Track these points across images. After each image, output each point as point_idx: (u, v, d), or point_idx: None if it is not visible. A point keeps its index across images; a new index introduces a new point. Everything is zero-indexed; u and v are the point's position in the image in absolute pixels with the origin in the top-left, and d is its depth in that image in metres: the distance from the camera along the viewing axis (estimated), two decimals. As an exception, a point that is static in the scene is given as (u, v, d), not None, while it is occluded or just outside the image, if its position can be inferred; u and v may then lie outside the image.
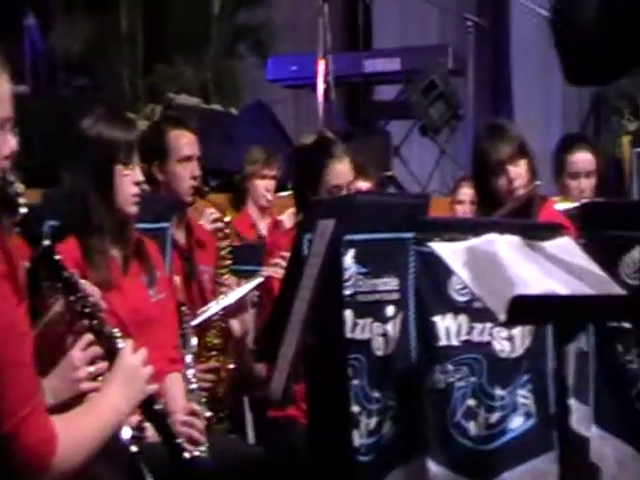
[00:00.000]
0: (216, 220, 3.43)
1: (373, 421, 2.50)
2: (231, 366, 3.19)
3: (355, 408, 2.46)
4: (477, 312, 2.54)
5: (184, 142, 3.23)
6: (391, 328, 2.52)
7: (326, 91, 4.98)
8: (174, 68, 5.97)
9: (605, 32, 1.88)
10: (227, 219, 3.37)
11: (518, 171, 3.19)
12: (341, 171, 3.14)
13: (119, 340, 1.89)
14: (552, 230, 2.53)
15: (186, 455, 2.05)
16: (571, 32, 1.94)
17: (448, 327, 2.60)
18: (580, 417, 2.69)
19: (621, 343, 2.68)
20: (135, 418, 2.13)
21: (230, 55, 6.26)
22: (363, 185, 3.68)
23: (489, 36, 4.89)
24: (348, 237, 2.45)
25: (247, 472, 2.69)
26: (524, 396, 2.63)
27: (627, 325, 2.55)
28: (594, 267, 2.34)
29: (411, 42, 4.93)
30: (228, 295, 3.11)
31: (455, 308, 2.59)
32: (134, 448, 2.05)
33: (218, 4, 6.15)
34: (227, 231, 3.33)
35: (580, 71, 2.02)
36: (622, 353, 2.70)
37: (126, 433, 1.99)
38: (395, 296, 2.54)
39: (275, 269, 3.04)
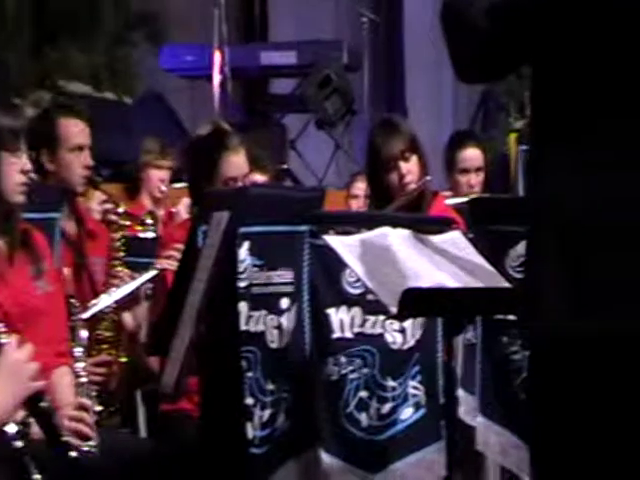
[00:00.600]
0: (108, 211, 3.40)
1: (267, 413, 2.51)
2: (123, 359, 3.17)
3: (249, 400, 2.47)
4: (370, 304, 2.58)
5: (75, 131, 3.18)
6: (285, 320, 2.54)
7: (222, 83, 4.96)
8: (64, 54, 5.84)
9: (493, 31, 1.93)
10: (121, 210, 3.34)
11: (409, 167, 3.23)
12: (236, 163, 3.14)
13: (3, 335, 1.87)
14: (442, 224, 2.59)
15: (72, 454, 2.04)
16: (460, 30, 1.98)
17: (342, 319, 2.63)
18: (467, 407, 2.76)
19: (506, 335, 2.77)
20: (20, 413, 2.10)
21: (123, 42, 6.16)
22: (259, 178, 3.69)
23: (383, 32, 4.97)
24: (243, 229, 2.46)
25: (138, 466, 2.67)
26: (415, 387, 2.69)
27: (512, 317, 2.61)
28: (482, 261, 2.41)
29: (307, 36, 4.96)
30: (120, 287, 3.09)
31: (349, 300, 2.63)
32: (19, 443, 2.02)
33: (111, -11, 6.05)
34: (120, 222, 3.30)
35: (469, 69, 2.06)
36: (507, 345, 2.79)
37: (11, 428, 1.97)
38: (290, 288, 2.56)
39: (169, 261, 3.02)
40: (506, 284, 2.39)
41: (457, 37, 1.96)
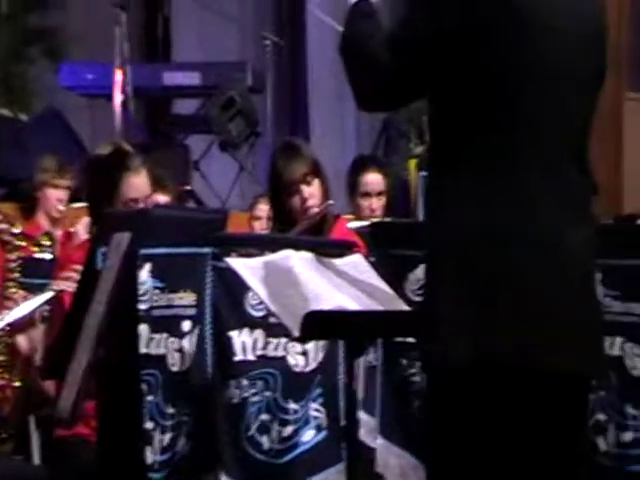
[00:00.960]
0: (2, 231, 3.32)
1: (167, 437, 2.49)
2: (17, 384, 3.10)
3: (149, 424, 2.44)
4: (272, 327, 2.59)
5: None
6: (187, 343, 2.53)
7: (124, 102, 4.91)
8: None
9: (395, 64, 1.98)
10: (16, 230, 3.27)
11: (311, 190, 3.26)
12: (138, 184, 3.11)
13: None
14: (344, 248, 2.62)
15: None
16: (361, 63, 2.02)
17: (244, 342, 2.63)
18: (368, 429, 2.79)
19: (406, 358, 2.80)
20: None
21: (20, 58, 6.04)
22: (161, 198, 3.67)
23: (287, 55, 5.02)
24: (144, 251, 2.44)
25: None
26: (316, 409, 2.70)
27: (411, 340, 2.64)
28: (382, 284, 2.45)
29: (211, 57, 4.96)
30: (14, 310, 3.03)
31: (251, 323, 2.63)
32: None
33: (6, 4, 5.93)
34: (16, 243, 3.23)
35: (372, 100, 2.11)
36: (406, 367, 2.81)
37: None
38: (192, 311, 2.55)
39: (67, 283, 2.97)
40: (406, 307, 2.42)
41: (358, 70, 2.00)
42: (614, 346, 2.46)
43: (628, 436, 2.45)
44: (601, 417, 2.48)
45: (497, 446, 1.91)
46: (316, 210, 3.26)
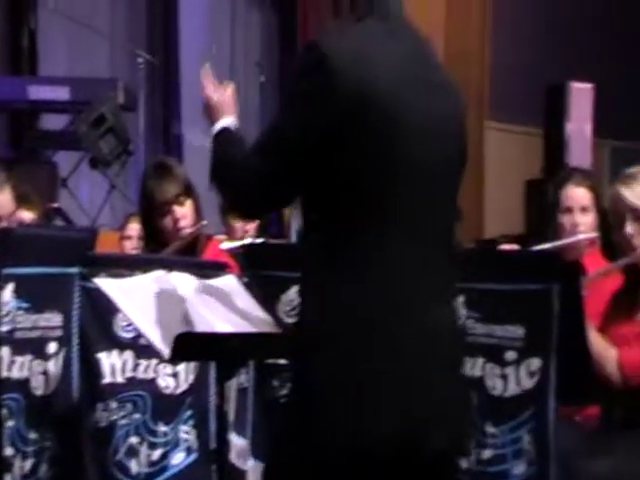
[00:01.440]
0: None
1: (28, 464, 2.47)
2: None
3: (9, 451, 2.41)
4: (143, 349, 2.59)
5: None
6: (52, 366, 2.52)
7: (-14, 116, 4.81)
8: None
9: (264, 168, 2.01)
10: None
11: (183, 211, 3.27)
12: (1, 202, 3.06)
13: None
14: (217, 268, 2.66)
15: None
16: (230, 178, 2.08)
17: (113, 364, 2.64)
18: (239, 451, 2.82)
19: (277, 379, 2.83)
20: None
21: None
22: (26, 216, 3.61)
23: (160, 73, 5.03)
24: (7, 271, 2.41)
25: None
26: (186, 432, 2.73)
27: (283, 361, 2.69)
28: (255, 305, 2.47)
29: (81, 72, 4.92)
30: None
31: (120, 344, 2.64)
32: None
33: None
34: None
35: (247, 209, 2.17)
36: (278, 388, 2.84)
37: None
38: (58, 332, 2.54)
39: None
40: (278, 329, 2.46)
41: (232, 186, 2.08)
42: (475, 367, 2.56)
43: (487, 453, 2.53)
44: None
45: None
46: (188, 231, 3.28)
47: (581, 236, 3.22)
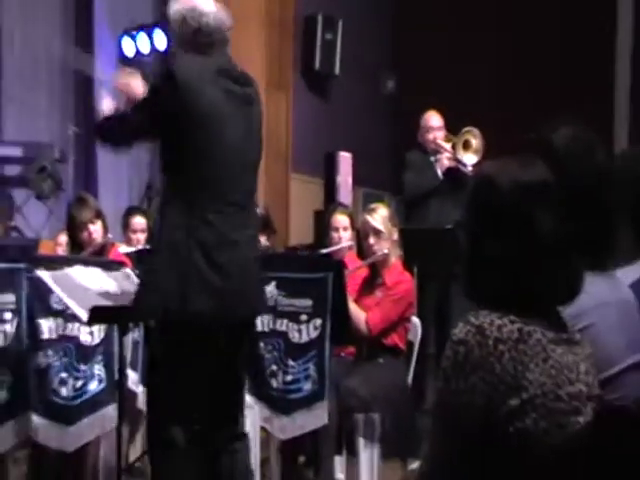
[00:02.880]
0: None
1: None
2: None
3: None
4: (69, 316, 2.57)
5: None
6: (9, 327, 2.48)
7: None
8: None
9: (134, 121, 2.11)
10: None
11: (96, 228, 3.28)
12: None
13: None
14: (117, 265, 2.65)
15: None
16: (111, 127, 2.15)
17: (50, 326, 2.60)
18: (132, 380, 2.80)
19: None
20: None
21: None
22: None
23: (83, 140, 5.08)
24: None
25: None
26: (99, 369, 2.68)
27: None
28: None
29: (30, 137, 4.92)
30: None
31: (54, 313, 2.60)
32: None
33: None
34: None
35: (119, 143, 2.22)
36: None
37: None
38: (12, 306, 2.50)
39: None
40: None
41: (111, 131, 2.15)
42: (282, 325, 2.63)
43: (289, 378, 2.61)
44: (274, 367, 2.66)
45: (199, 371, 2.02)
46: (100, 241, 3.27)
47: (343, 244, 3.25)
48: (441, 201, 4.04)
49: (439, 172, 4.12)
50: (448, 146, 4.15)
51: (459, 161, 4.11)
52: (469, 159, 4.11)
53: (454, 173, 4.10)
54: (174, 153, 2.07)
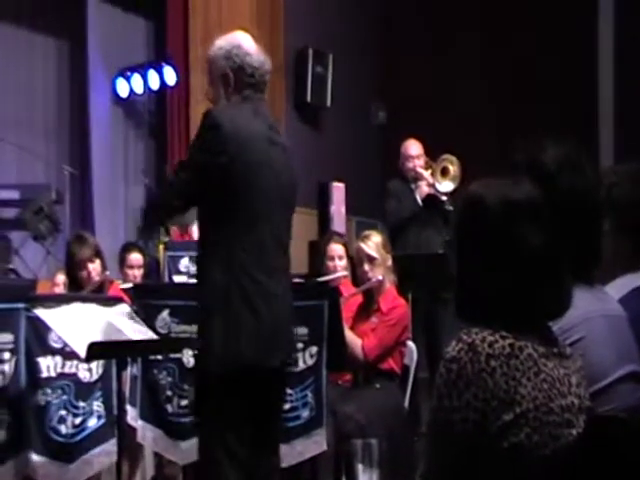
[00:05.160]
0: None
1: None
2: None
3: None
4: (67, 353, 2.56)
5: None
6: (8, 367, 2.47)
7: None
8: None
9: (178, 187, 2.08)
10: None
11: (94, 266, 3.25)
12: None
13: None
14: (116, 300, 2.65)
15: None
16: (158, 199, 2.22)
17: (48, 364, 2.59)
18: (131, 415, 2.79)
19: (156, 369, 2.77)
20: None
21: None
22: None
23: (79, 180, 5.11)
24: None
25: None
26: (98, 405, 2.68)
27: (159, 357, 2.69)
28: (140, 322, 2.52)
29: (26, 179, 4.97)
30: None
31: (53, 351, 2.59)
32: None
33: None
34: None
35: (167, 212, 2.19)
36: (157, 375, 2.78)
37: None
38: (10, 346, 2.49)
39: None
40: (153, 336, 2.48)
41: (160, 202, 2.17)
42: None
43: (287, 405, 2.53)
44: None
45: (243, 412, 2.03)
46: (98, 279, 3.27)
47: (339, 274, 3.24)
48: (421, 227, 4.13)
49: (419, 199, 4.22)
50: (427, 174, 4.24)
51: (437, 190, 4.19)
52: (446, 186, 4.21)
53: (433, 200, 4.19)
54: (220, 206, 2.01)
